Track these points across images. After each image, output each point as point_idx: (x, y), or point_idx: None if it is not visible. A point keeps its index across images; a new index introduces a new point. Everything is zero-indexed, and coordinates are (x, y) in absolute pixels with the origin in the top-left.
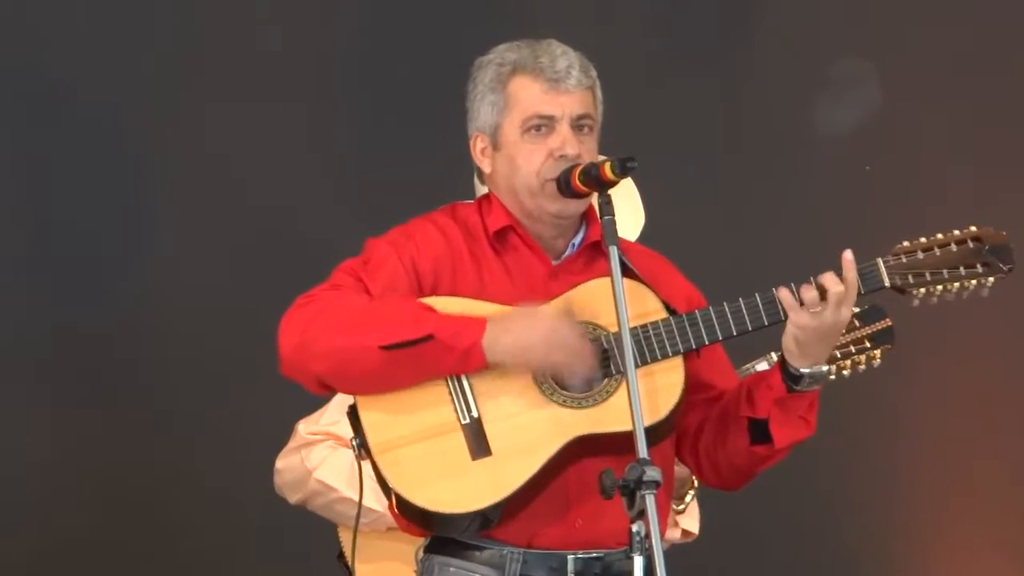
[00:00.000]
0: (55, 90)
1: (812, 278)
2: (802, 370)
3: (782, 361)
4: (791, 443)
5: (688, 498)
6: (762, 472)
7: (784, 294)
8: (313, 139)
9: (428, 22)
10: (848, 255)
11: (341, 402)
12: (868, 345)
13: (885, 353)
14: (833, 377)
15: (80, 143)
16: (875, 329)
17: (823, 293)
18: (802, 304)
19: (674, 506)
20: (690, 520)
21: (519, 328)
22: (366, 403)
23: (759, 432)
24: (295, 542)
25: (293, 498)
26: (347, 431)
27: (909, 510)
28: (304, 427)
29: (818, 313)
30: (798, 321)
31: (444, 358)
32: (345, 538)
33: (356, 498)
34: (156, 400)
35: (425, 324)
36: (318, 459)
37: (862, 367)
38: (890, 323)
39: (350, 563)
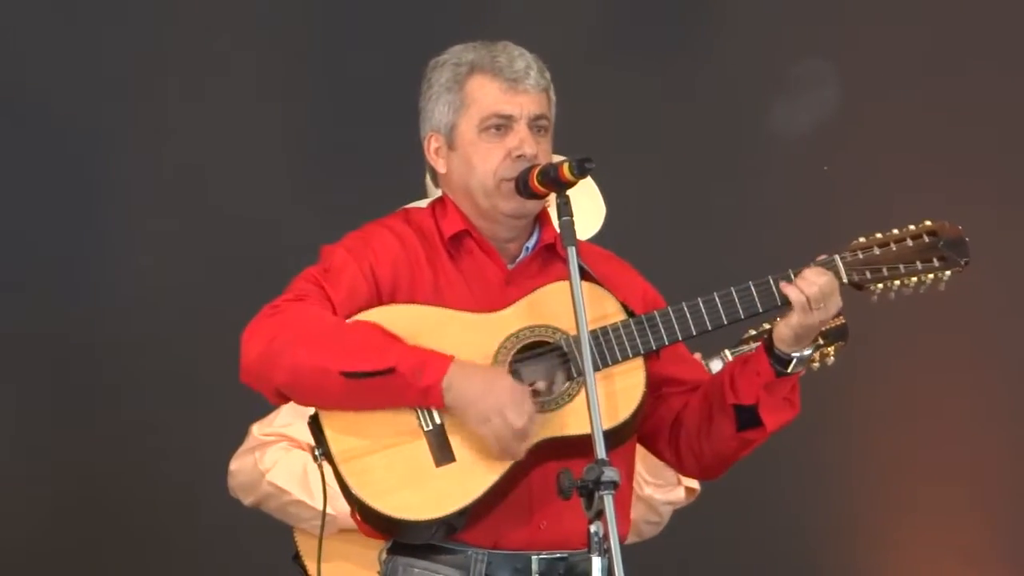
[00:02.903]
0: (24, 95)
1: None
2: (793, 355)
3: (768, 347)
4: (780, 425)
5: None
6: (743, 457)
7: (794, 293)
8: (282, 143)
9: (398, 23)
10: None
11: (295, 404)
12: (822, 342)
13: (839, 350)
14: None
15: (49, 147)
16: (829, 326)
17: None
18: (809, 303)
19: None
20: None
21: (476, 386)
22: (328, 413)
23: (746, 417)
24: (252, 543)
25: (247, 500)
26: (300, 433)
27: (870, 511)
28: (258, 428)
29: (821, 309)
30: (806, 320)
31: (404, 392)
32: (301, 539)
33: (308, 501)
34: (121, 404)
35: (389, 356)
36: (271, 461)
37: (816, 364)
38: (843, 320)
39: (313, 564)
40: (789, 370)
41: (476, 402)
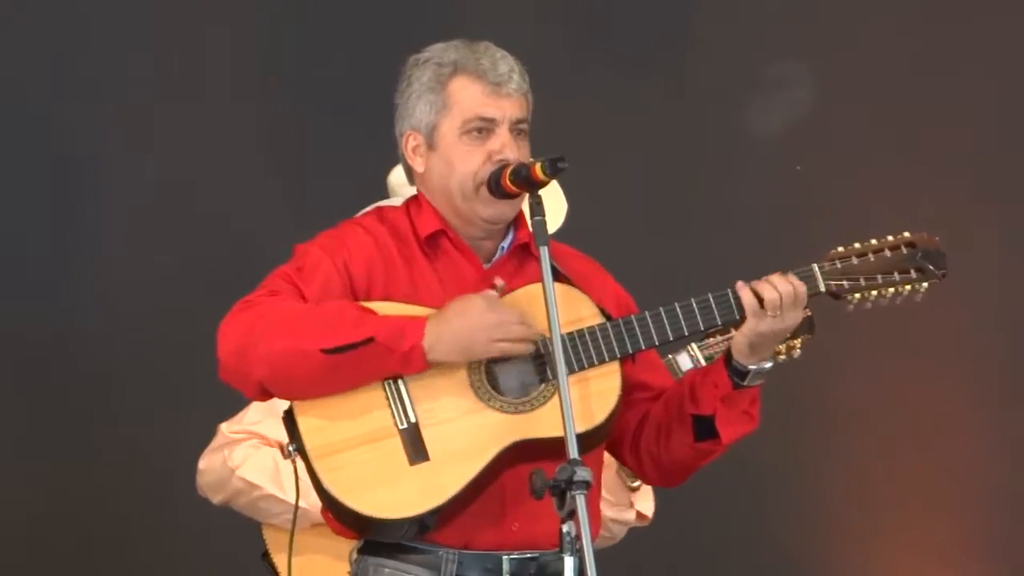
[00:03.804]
0: None
1: (763, 279)
2: (749, 367)
3: (727, 358)
4: (737, 438)
5: None
6: (703, 466)
7: (747, 297)
8: (257, 141)
9: (373, 23)
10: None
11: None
12: (787, 335)
13: (805, 343)
14: None
15: (22, 144)
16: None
17: (781, 297)
18: (763, 307)
19: (629, 483)
20: (645, 502)
21: (456, 321)
22: (303, 408)
23: (704, 428)
24: (221, 542)
25: (216, 498)
26: (270, 430)
27: (847, 510)
28: (227, 427)
29: (779, 317)
30: (760, 327)
31: (386, 360)
32: (269, 536)
33: (280, 495)
34: (92, 401)
35: (366, 327)
36: (240, 458)
37: (783, 357)
38: (809, 313)
39: (281, 560)
40: (747, 383)
41: (471, 335)
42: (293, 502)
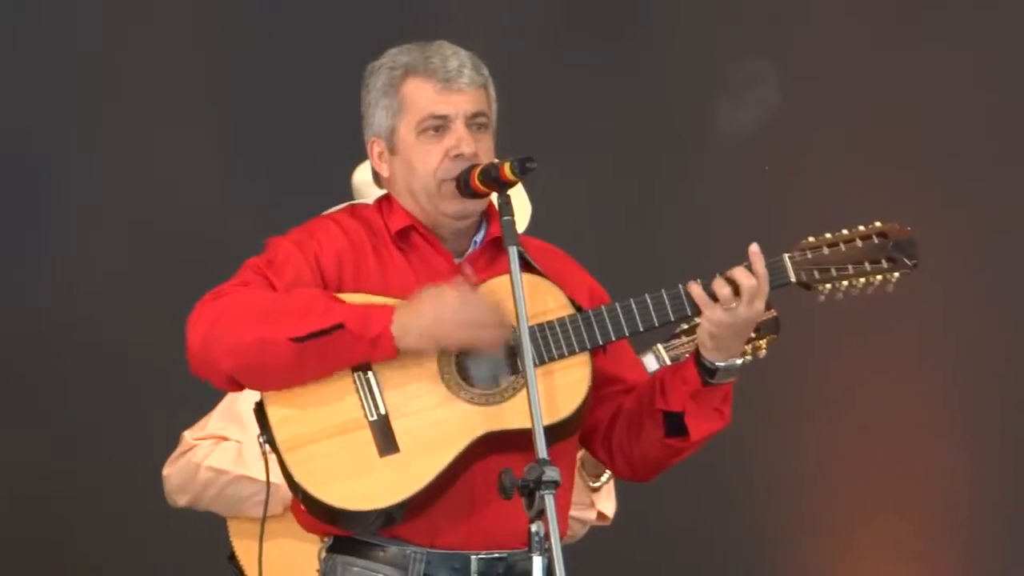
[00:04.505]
0: None
1: (718, 274)
2: (717, 364)
3: (696, 355)
4: (707, 435)
5: (604, 477)
6: (675, 464)
7: (696, 291)
8: (216, 139)
9: (341, 20)
10: (755, 247)
11: (225, 409)
12: (753, 335)
13: (771, 343)
14: None
15: None
16: (760, 319)
17: (735, 288)
18: (716, 300)
19: (590, 483)
20: (606, 502)
21: (427, 309)
22: (273, 399)
23: (674, 425)
24: (187, 547)
25: (183, 499)
26: (234, 436)
27: (814, 511)
28: (190, 434)
29: (732, 309)
30: (713, 317)
31: (354, 347)
32: (234, 529)
33: (248, 474)
34: (53, 401)
35: (334, 314)
36: (204, 453)
37: (748, 358)
38: (775, 313)
39: (246, 559)
40: (716, 380)
41: (439, 321)
42: (262, 480)
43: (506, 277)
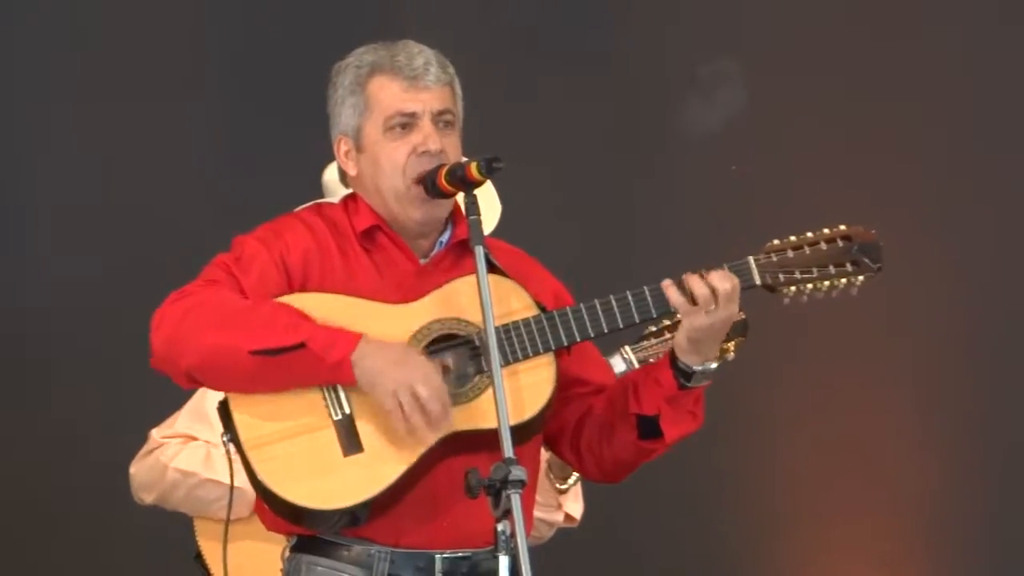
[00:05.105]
0: None
1: (685, 276)
2: (694, 367)
3: (672, 358)
4: (680, 437)
5: (572, 480)
6: (644, 463)
7: (674, 295)
8: (184, 137)
9: (309, 21)
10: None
11: (194, 408)
12: (727, 331)
13: (739, 345)
14: None
15: None
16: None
17: (712, 290)
18: (695, 303)
19: (558, 485)
20: (574, 504)
21: (388, 357)
22: (237, 399)
23: (648, 428)
24: (153, 546)
25: (149, 497)
26: (201, 434)
27: (788, 516)
28: (157, 432)
29: (713, 311)
30: (694, 322)
31: (314, 368)
32: (202, 530)
33: (215, 478)
34: (23, 399)
35: (298, 332)
36: (172, 453)
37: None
38: (743, 316)
39: (211, 559)
40: (692, 383)
41: (385, 373)
42: (229, 484)
43: (471, 277)
